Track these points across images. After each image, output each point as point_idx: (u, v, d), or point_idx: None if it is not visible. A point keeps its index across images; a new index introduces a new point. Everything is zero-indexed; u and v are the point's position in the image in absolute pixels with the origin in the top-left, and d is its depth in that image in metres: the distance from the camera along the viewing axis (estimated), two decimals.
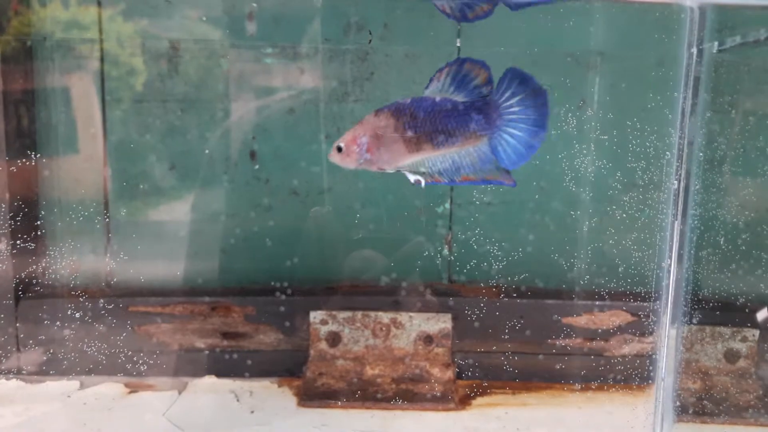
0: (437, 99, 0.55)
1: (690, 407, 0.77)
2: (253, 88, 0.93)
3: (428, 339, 0.90)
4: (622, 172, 0.85)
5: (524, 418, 0.80)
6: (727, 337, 0.86)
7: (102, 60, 0.91)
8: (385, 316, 0.90)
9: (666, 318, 0.52)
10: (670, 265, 0.51)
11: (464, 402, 0.85)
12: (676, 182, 0.52)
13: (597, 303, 0.89)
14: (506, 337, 0.90)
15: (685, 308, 0.57)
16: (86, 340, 0.91)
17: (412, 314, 0.90)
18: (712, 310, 0.78)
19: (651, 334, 0.89)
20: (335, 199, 0.95)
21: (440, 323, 0.90)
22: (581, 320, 0.90)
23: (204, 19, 0.91)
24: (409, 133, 0.54)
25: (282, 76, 0.92)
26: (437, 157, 0.55)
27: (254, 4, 0.90)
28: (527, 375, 0.90)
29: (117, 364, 0.92)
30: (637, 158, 0.83)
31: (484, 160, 0.55)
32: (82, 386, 0.90)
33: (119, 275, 0.95)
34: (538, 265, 0.92)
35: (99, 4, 0.90)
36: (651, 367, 0.88)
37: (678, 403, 0.62)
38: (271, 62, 0.92)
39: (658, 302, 0.54)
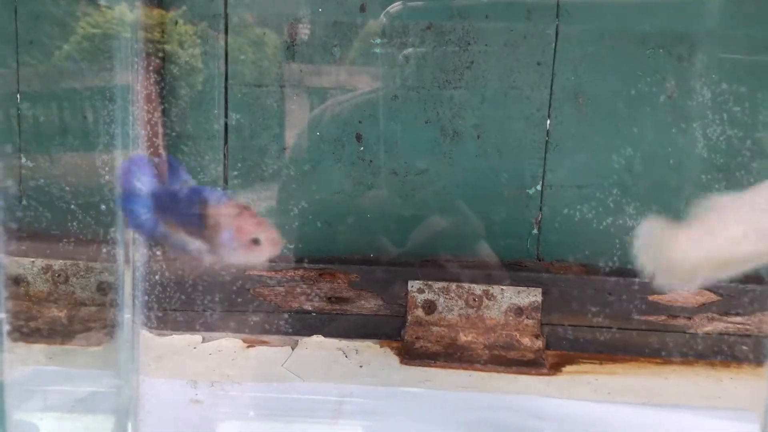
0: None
1: None
2: (361, 75, 1.02)
3: (518, 311, 0.97)
4: (719, 158, 0.89)
5: (614, 384, 0.86)
6: None
7: (226, 44, 1.02)
8: (478, 288, 0.98)
9: None
10: None
11: (555, 369, 0.91)
12: None
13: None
14: (593, 312, 0.96)
15: None
16: (207, 300, 1.03)
17: (503, 287, 0.97)
18: None
19: (737, 314, 0.93)
20: (431, 179, 1.03)
21: (530, 297, 0.96)
22: (666, 298, 0.95)
23: (320, 10, 1.00)
24: None
25: (388, 64, 1.00)
26: None
27: None
28: (613, 348, 0.96)
29: (233, 322, 1.03)
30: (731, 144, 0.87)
31: None
32: (205, 340, 1.01)
33: None
34: (625, 246, 0.97)
35: None
36: (738, 345, 0.92)
37: None
38: (380, 51, 1.00)
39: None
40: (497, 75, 1.00)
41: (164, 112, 0.94)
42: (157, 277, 0.98)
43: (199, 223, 0.60)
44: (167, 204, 0.63)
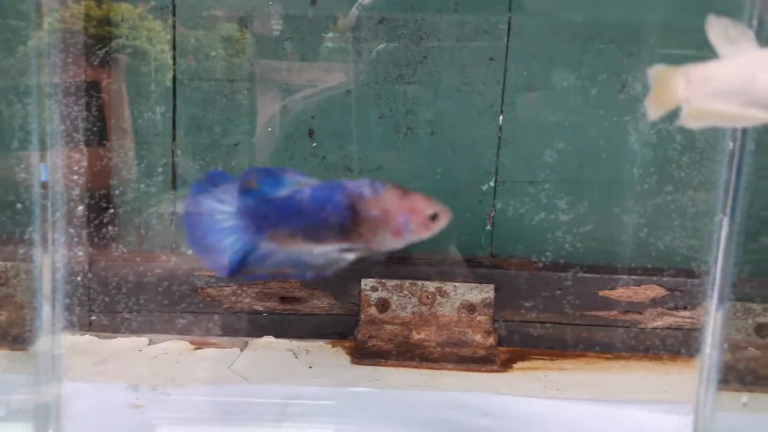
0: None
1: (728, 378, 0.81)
2: (313, 70, 0.99)
3: (471, 307, 0.96)
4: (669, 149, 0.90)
5: (563, 380, 0.86)
6: (758, 312, 0.91)
7: (174, 37, 0.98)
8: (431, 285, 0.97)
9: (714, 291, 0.56)
10: (719, 240, 0.56)
11: (506, 365, 0.91)
12: (731, 143, 0.57)
13: (632, 277, 0.94)
14: (545, 308, 0.96)
15: (733, 283, 0.62)
16: (152, 302, 0.99)
17: (456, 284, 0.96)
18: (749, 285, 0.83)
19: (685, 308, 0.94)
20: (386, 176, 1.02)
21: (483, 293, 0.96)
22: (616, 293, 0.95)
23: (270, 3, 0.98)
24: None
25: (341, 58, 0.99)
26: None
27: None
28: (564, 344, 0.96)
29: (181, 323, 1.00)
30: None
31: None
32: (151, 342, 0.98)
33: (185, 244, 1.03)
34: (577, 241, 0.97)
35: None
36: (686, 339, 0.93)
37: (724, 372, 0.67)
38: (332, 45, 0.98)
39: (704, 278, 0.59)
40: (450, 70, 0.99)
41: (88, 107, 0.90)
42: (96, 278, 0.95)
43: (345, 220, 0.54)
44: (280, 215, 0.55)
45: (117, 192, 1.01)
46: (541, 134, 0.99)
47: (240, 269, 0.57)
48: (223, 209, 0.57)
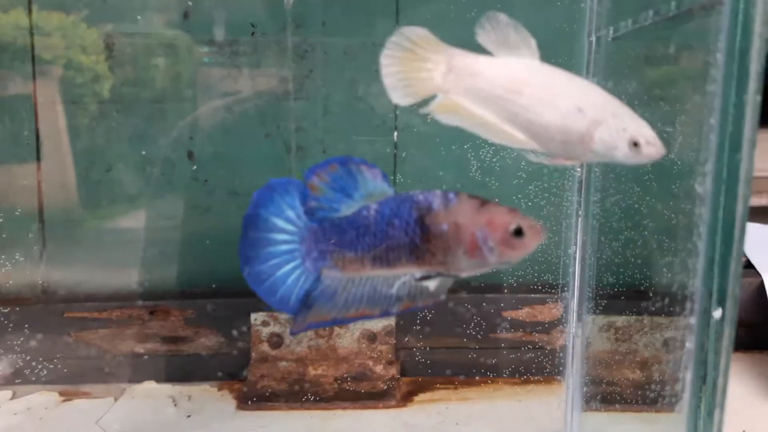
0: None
1: (627, 397, 0.78)
2: (190, 87, 0.92)
3: (372, 337, 0.89)
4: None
5: (464, 412, 0.80)
6: (665, 326, 0.87)
7: (33, 57, 0.89)
8: None
9: (573, 308, 0.52)
10: (575, 255, 0.51)
11: (406, 399, 0.84)
12: (579, 170, 0.53)
13: (536, 296, 0.90)
14: (450, 332, 0.90)
15: (594, 299, 0.58)
16: (20, 349, 0.88)
17: None
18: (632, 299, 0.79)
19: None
20: None
21: (384, 321, 0.89)
22: (521, 313, 0.90)
23: (139, 18, 0.89)
24: None
25: (220, 74, 0.91)
26: None
27: (190, 3, 0.88)
28: (470, 370, 0.90)
29: (53, 372, 0.89)
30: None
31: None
32: (15, 396, 0.87)
33: (55, 282, 0.93)
34: None
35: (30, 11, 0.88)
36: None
37: (587, 392, 0.62)
38: (209, 61, 0.91)
39: (567, 293, 0.54)
40: (339, 85, 0.93)
41: None
42: None
43: (415, 237, 0.46)
44: (345, 236, 0.48)
45: None
46: (435, 149, 0.94)
47: (306, 307, 0.48)
48: (284, 228, 0.48)
